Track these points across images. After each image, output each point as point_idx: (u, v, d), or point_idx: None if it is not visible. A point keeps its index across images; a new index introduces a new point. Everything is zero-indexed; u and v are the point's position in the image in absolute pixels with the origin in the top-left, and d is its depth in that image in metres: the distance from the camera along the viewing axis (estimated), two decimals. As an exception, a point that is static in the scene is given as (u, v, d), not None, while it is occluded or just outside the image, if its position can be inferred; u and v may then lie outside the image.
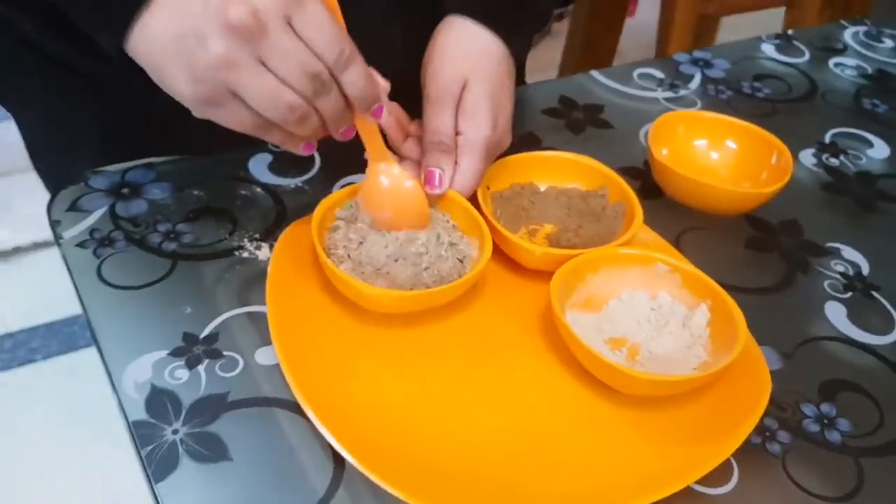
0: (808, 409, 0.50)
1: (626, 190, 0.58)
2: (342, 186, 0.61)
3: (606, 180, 0.60)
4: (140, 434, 0.44)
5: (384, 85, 0.49)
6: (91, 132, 0.63)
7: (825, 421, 0.49)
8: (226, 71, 0.43)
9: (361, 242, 0.53)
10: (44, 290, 1.60)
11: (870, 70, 0.87)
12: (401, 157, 0.57)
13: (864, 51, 0.91)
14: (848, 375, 0.52)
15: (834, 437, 0.49)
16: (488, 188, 0.59)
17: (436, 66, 0.55)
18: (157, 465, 0.43)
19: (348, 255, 0.52)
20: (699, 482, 0.45)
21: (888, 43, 0.93)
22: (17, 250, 1.68)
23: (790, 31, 0.93)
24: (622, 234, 0.55)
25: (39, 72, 0.61)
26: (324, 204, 0.53)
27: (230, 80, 0.43)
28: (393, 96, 0.59)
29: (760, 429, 0.48)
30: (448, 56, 0.55)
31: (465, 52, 0.55)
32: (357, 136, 0.51)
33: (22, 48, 0.59)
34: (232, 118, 0.46)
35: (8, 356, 1.50)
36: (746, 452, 0.47)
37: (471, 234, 0.54)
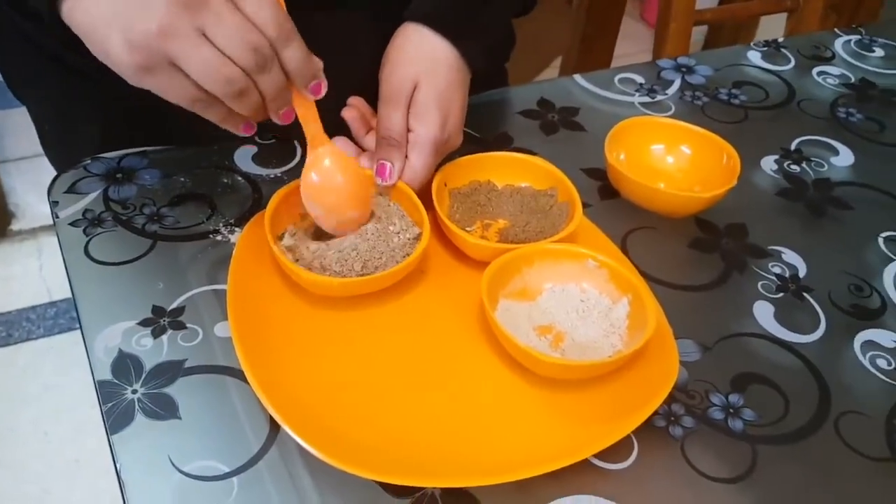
0: (717, 399, 0.54)
1: (571, 191, 0.62)
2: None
3: (557, 181, 0.64)
4: (104, 392, 0.50)
5: (319, 63, 0.51)
6: (92, 123, 0.70)
7: (731, 410, 0.53)
8: (165, 39, 0.43)
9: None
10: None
11: (853, 79, 0.89)
12: (362, 149, 0.62)
13: (852, 60, 0.93)
14: (763, 370, 0.56)
15: (736, 425, 0.52)
16: (445, 185, 0.64)
17: (391, 68, 0.60)
18: (115, 419, 0.49)
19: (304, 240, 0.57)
20: (599, 457, 0.49)
21: (878, 52, 0.95)
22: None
23: (781, 39, 0.95)
24: (563, 230, 0.59)
25: (46, 69, 0.68)
26: (280, 193, 0.58)
27: (169, 49, 0.44)
28: (362, 94, 0.64)
29: (667, 414, 0.52)
30: (402, 59, 0.60)
31: (418, 56, 0.60)
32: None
33: (29, 46, 0.66)
34: (170, 89, 0.46)
35: (51, 323, 1.61)
36: (649, 434, 0.51)
37: (416, 222, 0.59)
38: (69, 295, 1.59)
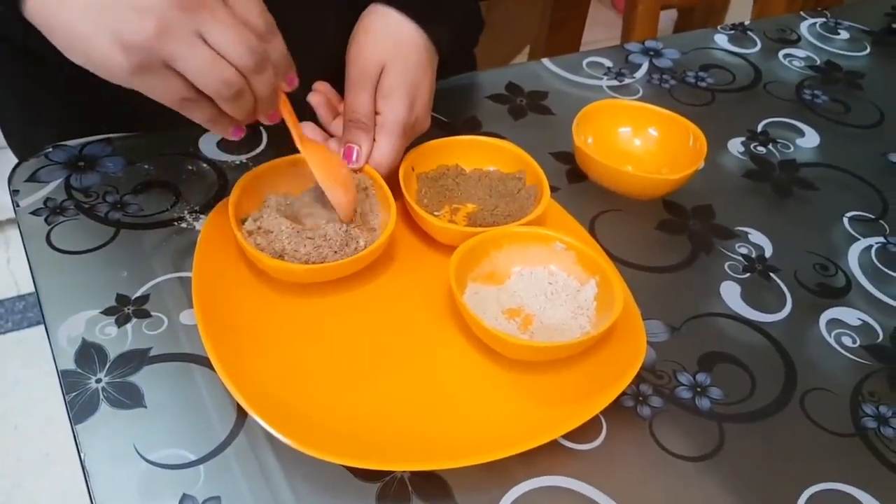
0: (684, 378, 0.54)
1: (539, 174, 0.62)
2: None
3: (525, 165, 0.64)
4: (67, 381, 0.50)
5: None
6: (54, 110, 0.68)
7: (698, 389, 0.54)
8: (163, 40, 0.42)
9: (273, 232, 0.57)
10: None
11: (819, 61, 0.90)
12: (329, 134, 0.62)
13: (817, 42, 0.94)
14: (730, 349, 0.56)
15: (704, 403, 0.53)
16: (413, 169, 0.63)
17: (357, 50, 0.59)
18: (78, 409, 0.48)
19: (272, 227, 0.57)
20: (568, 438, 0.49)
21: (843, 35, 0.96)
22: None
23: (747, 23, 0.96)
24: (531, 213, 0.59)
25: (6, 55, 0.66)
26: (247, 178, 0.57)
27: (167, 50, 0.43)
28: (325, 78, 0.63)
29: (635, 394, 0.53)
30: (369, 41, 0.59)
31: (385, 38, 0.59)
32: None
33: None
34: (161, 89, 0.45)
35: (19, 317, 1.59)
36: (618, 414, 0.51)
37: (383, 207, 0.59)
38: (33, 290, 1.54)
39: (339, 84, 0.64)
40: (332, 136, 0.63)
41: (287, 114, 0.55)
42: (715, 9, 1.58)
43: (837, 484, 0.49)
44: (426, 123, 0.62)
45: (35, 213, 0.60)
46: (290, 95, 0.54)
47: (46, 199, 0.61)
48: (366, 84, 0.59)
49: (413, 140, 0.62)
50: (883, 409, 0.54)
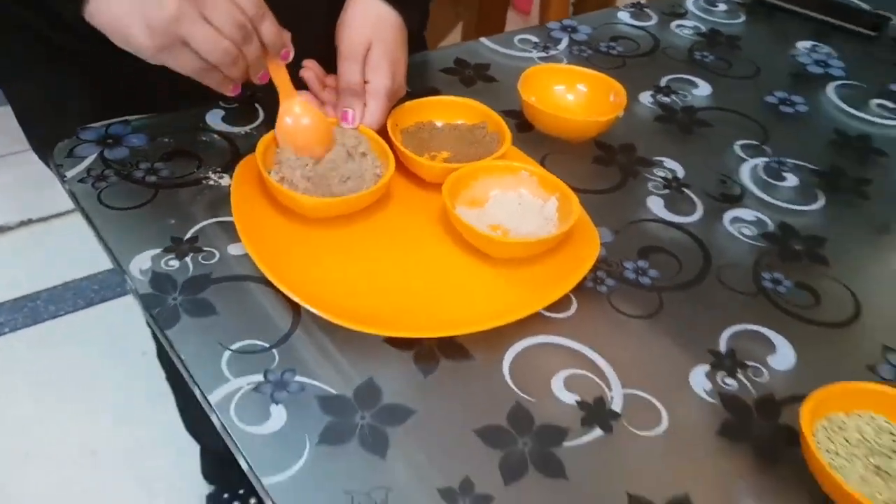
0: (629, 265, 0.70)
1: (499, 122, 0.77)
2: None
3: (486, 116, 0.79)
4: (148, 302, 0.61)
5: (288, 35, 0.66)
6: (78, 99, 0.79)
7: (640, 271, 0.70)
8: (178, 24, 0.57)
9: (303, 166, 0.70)
10: (5, 270, 1.73)
11: (704, 29, 1.09)
12: (321, 102, 0.75)
13: (701, 14, 1.13)
14: (660, 244, 0.73)
15: (645, 280, 0.69)
16: (397, 125, 0.77)
17: (346, 31, 0.73)
18: (164, 320, 0.60)
19: (290, 177, 0.70)
20: (549, 310, 0.64)
21: (722, 7, 1.15)
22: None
23: (643, 1, 1.14)
24: (496, 153, 0.74)
25: (34, 52, 0.77)
26: (263, 140, 0.70)
27: (181, 31, 0.58)
28: (315, 57, 0.77)
29: (594, 278, 0.68)
30: (356, 24, 0.73)
31: (369, 21, 0.73)
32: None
33: (12, 26, 0.74)
34: (182, 63, 0.61)
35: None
36: (583, 292, 0.67)
37: (382, 157, 0.73)
38: (10, 296, 1.66)
39: (326, 62, 0.77)
40: (323, 103, 0.76)
41: (278, 76, 0.68)
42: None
43: (748, 325, 0.66)
44: (404, 89, 0.77)
45: (81, 181, 0.71)
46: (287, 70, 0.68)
47: (88, 169, 0.72)
48: (356, 59, 0.73)
49: (395, 103, 0.77)
50: (777, 274, 0.71)
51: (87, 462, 1.44)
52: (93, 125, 0.77)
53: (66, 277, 1.75)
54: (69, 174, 0.72)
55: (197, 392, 0.56)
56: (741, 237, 0.75)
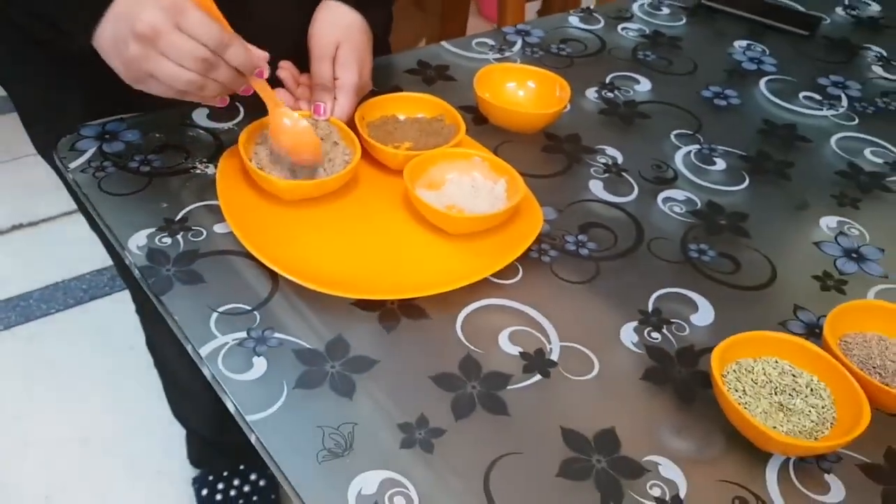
0: (570, 238, 0.79)
1: (455, 115, 0.86)
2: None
3: (443, 110, 0.88)
4: (146, 272, 0.70)
5: (262, 55, 0.71)
6: (76, 100, 0.88)
7: (580, 244, 0.79)
8: (142, 62, 0.65)
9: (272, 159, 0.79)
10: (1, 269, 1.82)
11: (647, 31, 1.19)
12: (296, 98, 0.84)
13: (646, 17, 1.23)
14: (599, 220, 0.82)
15: (584, 252, 0.78)
16: (364, 118, 0.86)
17: (318, 34, 0.82)
18: (159, 287, 0.69)
19: (266, 164, 0.79)
20: (497, 277, 0.73)
21: (665, 11, 1.25)
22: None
23: (592, 7, 1.24)
24: (452, 141, 0.84)
25: (32, 52, 0.85)
26: (245, 132, 0.79)
27: (146, 68, 0.65)
28: (290, 58, 0.86)
29: (539, 250, 0.77)
30: (326, 27, 0.82)
31: (337, 24, 0.82)
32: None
33: (14, 31, 0.82)
34: (157, 90, 0.68)
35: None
36: (528, 261, 0.76)
37: (350, 146, 0.82)
38: (3, 296, 1.74)
39: (299, 62, 0.86)
40: (297, 99, 0.85)
41: (262, 90, 0.75)
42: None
43: (675, 288, 0.75)
44: (370, 86, 0.86)
45: (83, 171, 0.80)
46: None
47: (89, 161, 0.81)
48: (326, 58, 0.82)
49: (361, 98, 0.86)
50: (703, 245, 0.81)
51: (79, 450, 1.51)
52: (92, 122, 0.86)
53: (56, 278, 1.83)
54: (72, 165, 0.80)
55: (189, 348, 0.64)
56: (672, 214, 0.84)
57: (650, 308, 0.73)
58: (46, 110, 0.89)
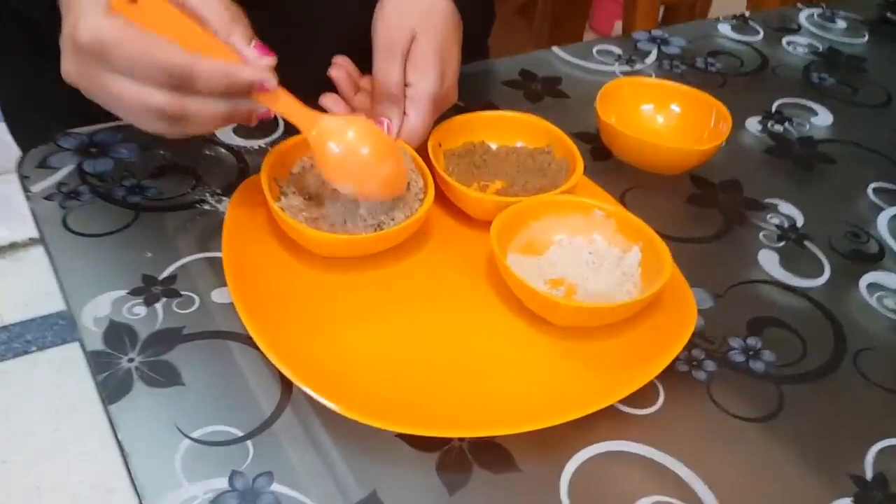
0: (735, 342, 0.53)
1: (569, 146, 0.61)
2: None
3: (552, 138, 0.63)
4: (97, 362, 0.47)
5: (268, 62, 0.48)
6: (61, 99, 0.66)
7: (750, 352, 0.52)
8: (96, 98, 0.47)
9: (310, 197, 0.55)
10: (38, 284, 1.64)
11: (821, 48, 0.91)
12: (352, 109, 0.60)
13: (816, 31, 0.95)
14: (776, 314, 0.55)
15: (758, 366, 0.51)
16: (440, 145, 0.62)
17: (385, 19, 0.58)
18: (111, 389, 0.45)
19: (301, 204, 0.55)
20: (626, 403, 0.48)
21: (840, 24, 0.97)
22: (14, 246, 1.71)
23: (747, 13, 0.96)
24: (563, 186, 0.58)
25: (14, 45, 0.64)
26: (272, 153, 0.55)
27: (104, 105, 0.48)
28: (347, 49, 0.62)
29: (688, 359, 0.51)
30: (397, 10, 0.58)
31: (413, 6, 0.58)
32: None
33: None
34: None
35: (3, 347, 1.53)
36: (673, 379, 0.50)
37: (421, 178, 0.57)
38: (22, 318, 1.53)
39: (357, 58, 0.62)
40: (354, 109, 0.61)
41: (283, 110, 0.50)
42: (699, 2, 1.59)
43: (904, 439, 0.48)
44: (454, 96, 0.61)
45: (48, 198, 0.58)
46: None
47: (59, 184, 0.59)
48: (396, 54, 0.57)
49: (441, 114, 0.61)
50: (936, 366, 0.53)
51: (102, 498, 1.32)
52: (75, 130, 0.64)
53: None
54: (35, 189, 0.58)
55: (134, 502, 0.41)
56: (884, 311, 0.57)
57: (868, 473, 0.46)
58: (29, 111, 0.68)
